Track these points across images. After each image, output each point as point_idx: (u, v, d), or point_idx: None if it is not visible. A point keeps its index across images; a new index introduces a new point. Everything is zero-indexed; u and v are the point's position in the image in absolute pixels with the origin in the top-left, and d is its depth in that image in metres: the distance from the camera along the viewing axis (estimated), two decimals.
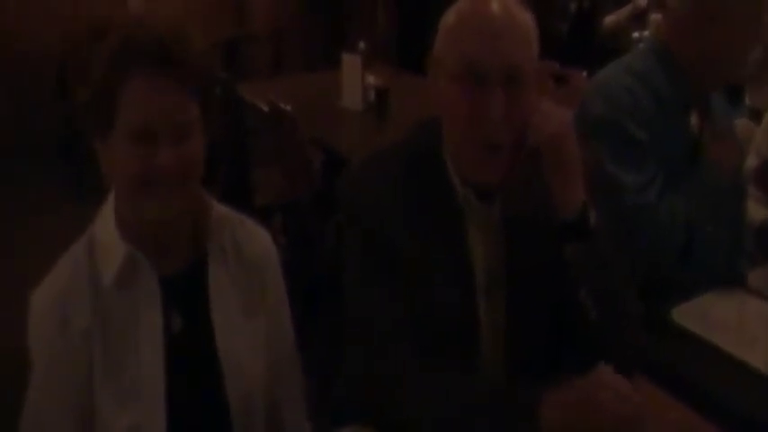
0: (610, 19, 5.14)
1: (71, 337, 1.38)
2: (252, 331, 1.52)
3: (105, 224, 1.44)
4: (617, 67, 2.15)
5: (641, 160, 2.01)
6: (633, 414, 1.29)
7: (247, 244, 1.55)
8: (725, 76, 2.16)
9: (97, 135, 1.36)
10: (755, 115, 3.10)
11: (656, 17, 5.02)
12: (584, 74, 3.87)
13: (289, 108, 3.47)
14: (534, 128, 1.44)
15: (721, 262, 2.08)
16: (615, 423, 1.29)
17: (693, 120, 2.11)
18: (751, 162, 2.62)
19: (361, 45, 3.97)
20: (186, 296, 1.47)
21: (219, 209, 1.53)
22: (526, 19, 1.46)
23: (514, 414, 1.36)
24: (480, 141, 1.45)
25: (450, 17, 1.50)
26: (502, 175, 1.49)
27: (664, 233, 1.99)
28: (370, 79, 3.91)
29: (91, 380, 1.40)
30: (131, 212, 1.40)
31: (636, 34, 5.08)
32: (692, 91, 2.10)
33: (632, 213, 1.97)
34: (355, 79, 3.89)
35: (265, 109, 3.66)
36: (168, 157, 1.31)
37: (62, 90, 5.23)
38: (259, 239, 1.58)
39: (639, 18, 5.06)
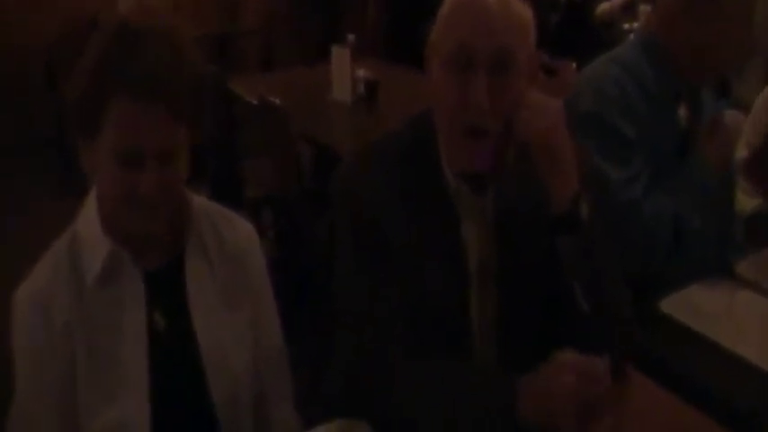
0: (603, 7, 5.13)
1: (53, 332, 1.38)
2: (235, 324, 1.52)
3: (88, 220, 1.43)
4: (605, 59, 2.15)
5: (627, 155, 2.00)
6: (597, 393, 1.29)
7: (229, 235, 1.54)
8: (714, 70, 2.15)
9: (82, 138, 1.35)
10: (742, 107, 3.10)
11: (645, 8, 5.02)
12: (574, 65, 3.88)
13: (278, 101, 3.46)
14: (524, 122, 1.44)
15: (710, 253, 2.08)
16: (581, 404, 1.29)
17: (682, 112, 2.10)
18: (740, 153, 2.63)
19: (351, 38, 3.96)
20: (169, 292, 1.46)
21: (199, 202, 1.53)
22: (522, 9, 1.46)
23: (494, 409, 1.37)
24: (464, 126, 1.45)
25: (446, 5, 1.51)
26: (488, 163, 1.49)
27: (650, 228, 1.99)
28: (360, 72, 3.91)
29: (74, 375, 1.39)
30: (118, 219, 1.40)
31: (626, 25, 5.09)
32: (681, 83, 2.10)
33: (618, 208, 1.97)
34: (345, 72, 3.89)
35: (255, 102, 3.65)
36: (151, 184, 1.30)
37: (50, 82, 5.21)
38: (241, 230, 1.58)
39: (630, 9, 5.06)
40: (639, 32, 2.21)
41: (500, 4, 1.44)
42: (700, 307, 1.99)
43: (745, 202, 2.35)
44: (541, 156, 1.46)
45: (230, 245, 1.54)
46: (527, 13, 1.47)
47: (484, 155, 1.48)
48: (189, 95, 1.32)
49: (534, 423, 1.33)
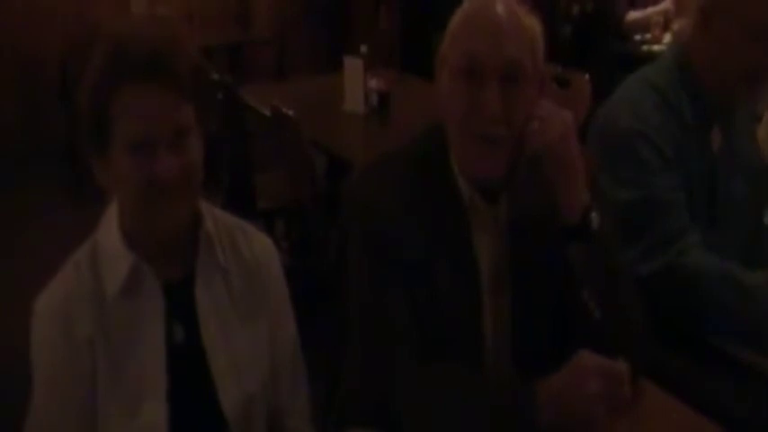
0: (634, 15, 5.11)
1: (74, 345, 1.38)
2: (252, 339, 1.52)
3: (109, 232, 1.43)
4: (641, 82, 2.09)
5: (672, 171, 1.97)
6: (623, 395, 1.30)
7: (247, 249, 1.54)
8: (754, 92, 2.11)
9: (95, 150, 1.36)
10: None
11: (657, 19, 5.00)
12: (587, 77, 3.88)
13: (291, 112, 3.47)
14: (534, 134, 1.45)
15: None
16: (608, 407, 1.30)
17: (715, 137, 2.07)
18: None
19: (363, 49, 3.97)
20: (185, 305, 1.46)
21: (216, 214, 1.53)
22: (530, 21, 1.48)
23: (511, 412, 1.36)
24: (476, 135, 1.46)
25: (456, 18, 1.52)
26: (501, 169, 1.50)
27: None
28: (372, 83, 3.91)
29: (94, 388, 1.39)
30: (138, 223, 1.40)
31: (638, 36, 5.08)
32: (715, 106, 2.05)
33: (660, 206, 1.93)
34: (357, 83, 3.90)
35: (267, 113, 3.66)
36: (168, 166, 1.30)
37: (64, 92, 5.24)
38: (259, 244, 1.58)
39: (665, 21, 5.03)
40: (673, 52, 2.15)
41: (508, 16, 1.46)
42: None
43: None
44: (551, 166, 1.47)
45: (248, 258, 1.54)
46: (535, 24, 1.49)
47: (496, 160, 1.48)
48: (189, 73, 1.33)
49: (554, 426, 1.32)
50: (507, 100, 1.43)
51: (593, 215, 1.47)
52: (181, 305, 1.46)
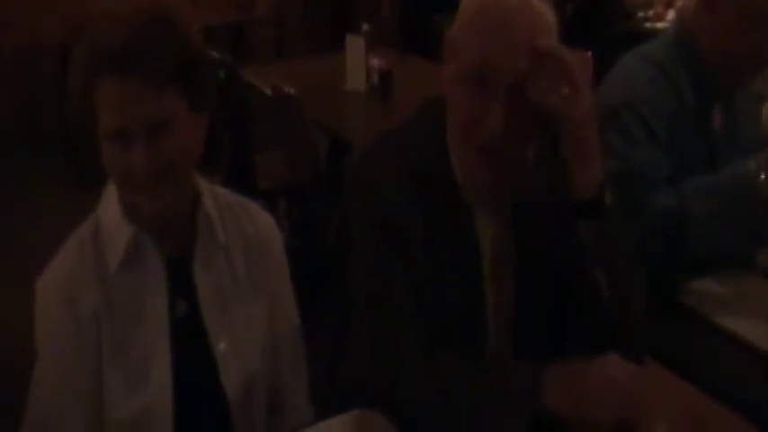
0: None
1: (79, 320, 1.38)
2: (252, 315, 1.52)
3: (109, 207, 1.44)
4: (638, 57, 2.08)
5: (657, 146, 1.96)
6: (642, 395, 1.32)
7: (250, 227, 1.55)
8: (749, 72, 2.09)
9: (92, 133, 1.35)
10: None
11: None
12: (589, 54, 3.85)
13: (292, 91, 3.46)
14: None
15: (729, 243, 2.04)
16: (625, 402, 1.31)
17: (716, 118, 2.05)
18: None
19: (365, 27, 3.95)
20: (188, 283, 1.47)
21: (218, 192, 1.52)
22: (542, 9, 1.41)
23: (516, 394, 1.37)
24: (477, 143, 1.42)
25: (469, 3, 1.45)
26: (499, 178, 1.48)
27: (655, 224, 1.95)
28: (374, 61, 3.89)
29: (100, 363, 1.40)
30: (130, 204, 1.41)
31: (641, 13, 5.05)
32: (716, 87, 2.03)
33: (638, 181, 1.93)
34: (359, 61, 3.88)
35: (268, 92, 3.64)
36: (140, 157, 1.29)
37: (62, 79, 5.20)
38: (261, 222, 1.58)
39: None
40: (675, 28, 2.14)
41: (526, 19, 1.38)
42: (718, 297, 1.97)
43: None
44: (572, 140, 1.43)
45: (252, 235, 1.54)
46: (550, 15, 1.41)
47: (495, 170, 1.46)
48: (173, 58, 1.31)
49: (562, 411, 1.33)
50: (512, 110, 1.38)
51: (607, 192, 1.45)
52: (182, 281, 1.46)
